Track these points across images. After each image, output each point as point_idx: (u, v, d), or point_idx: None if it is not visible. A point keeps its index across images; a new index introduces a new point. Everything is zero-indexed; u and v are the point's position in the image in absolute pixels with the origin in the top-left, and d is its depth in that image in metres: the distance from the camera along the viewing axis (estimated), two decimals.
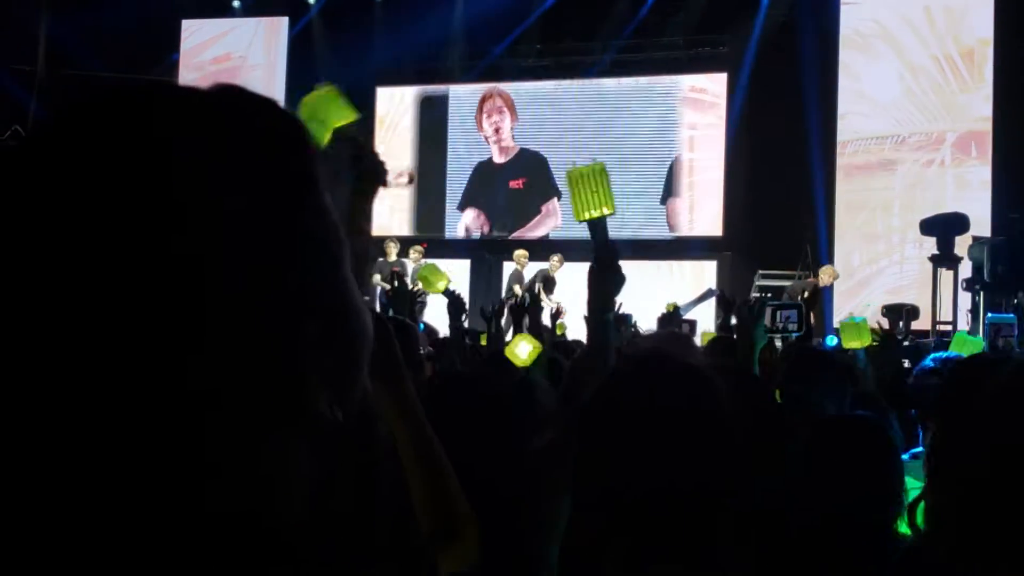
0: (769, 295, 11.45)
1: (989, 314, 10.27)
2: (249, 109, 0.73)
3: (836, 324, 12.22)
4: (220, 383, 0.65)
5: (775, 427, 2.44)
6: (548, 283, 13.34)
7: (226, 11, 17.22)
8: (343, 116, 2.75)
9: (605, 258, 2.75)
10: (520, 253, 13.98)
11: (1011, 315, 10.08)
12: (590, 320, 2.77)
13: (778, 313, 4.28)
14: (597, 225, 2.75)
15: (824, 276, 12.37)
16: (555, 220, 15.91)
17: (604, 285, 2.73)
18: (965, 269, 11.22)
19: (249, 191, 0.68)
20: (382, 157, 2.75)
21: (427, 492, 1.75)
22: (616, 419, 1.55)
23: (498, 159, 16.41)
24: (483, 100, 16.43)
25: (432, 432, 1.75)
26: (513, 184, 16.23)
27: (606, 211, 2.76)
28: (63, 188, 0.66)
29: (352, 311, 0.74)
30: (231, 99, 0.73)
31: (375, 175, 2.61)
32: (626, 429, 1.53)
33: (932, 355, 3.81)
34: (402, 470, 1.75)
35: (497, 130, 16.40)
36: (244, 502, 0.68)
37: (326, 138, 2.78)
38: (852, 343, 5.82)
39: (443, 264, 14.48)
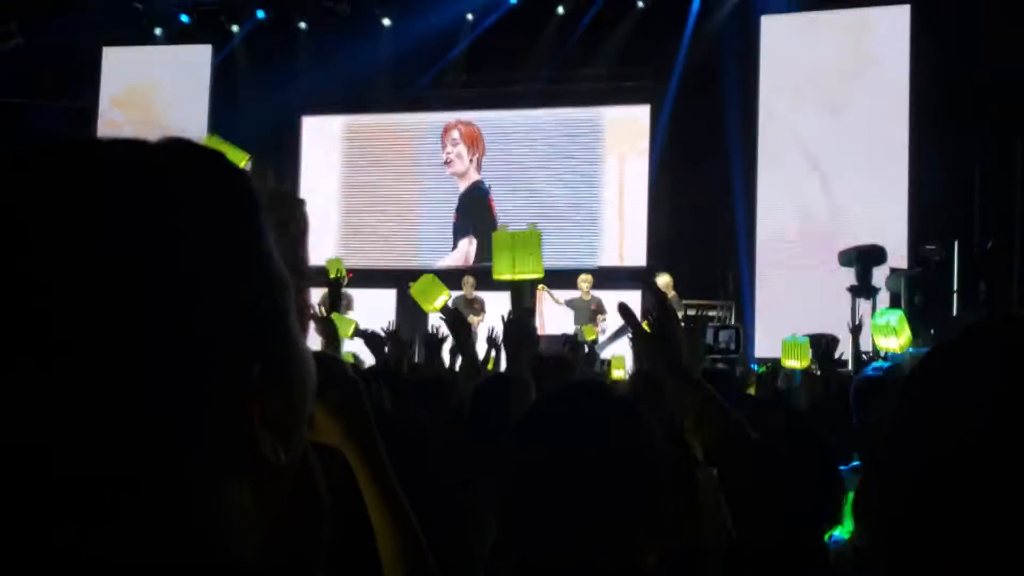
0: (704, 314, 11.60)
1: (910, 349, 10.46)
2: (197, 162, 0.75)
3: (757, 354, 12.42)
4: (166, 424, 0.67)
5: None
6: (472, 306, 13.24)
7: (148, 39, 17.03)
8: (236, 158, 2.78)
9: (523, 323, 2.80)
10: (583, 278, 13.68)
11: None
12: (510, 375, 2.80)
13: (719, 333, 4.33)
14: (523, 289, 2.81)
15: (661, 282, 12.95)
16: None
17: (520, 346, 2.76)
18: (883, 299, 11.44)
19: (198, 242, 0.70)
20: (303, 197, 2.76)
21: (397, 556, 1.73)
22: (540, 457, 1.55)
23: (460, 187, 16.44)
24: (445, 130, 16.42)
25: (403, 496, 1.74)
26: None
27: (536, 276, 2.83)
28: (11, 245, 0.67)
29: (296, 356, 0.77)
30: (178, 153, 0.75)
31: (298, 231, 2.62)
32: (549, 467, 1.53)
33: (872, 364, 3.86)
34: (361, 526, 1.73)
35: (448, 162, 16.37)
36: (191, 544, 0.69)
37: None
38: (790, 362, 5.93)
39: (366, 295, 14.32)
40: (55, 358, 0.65)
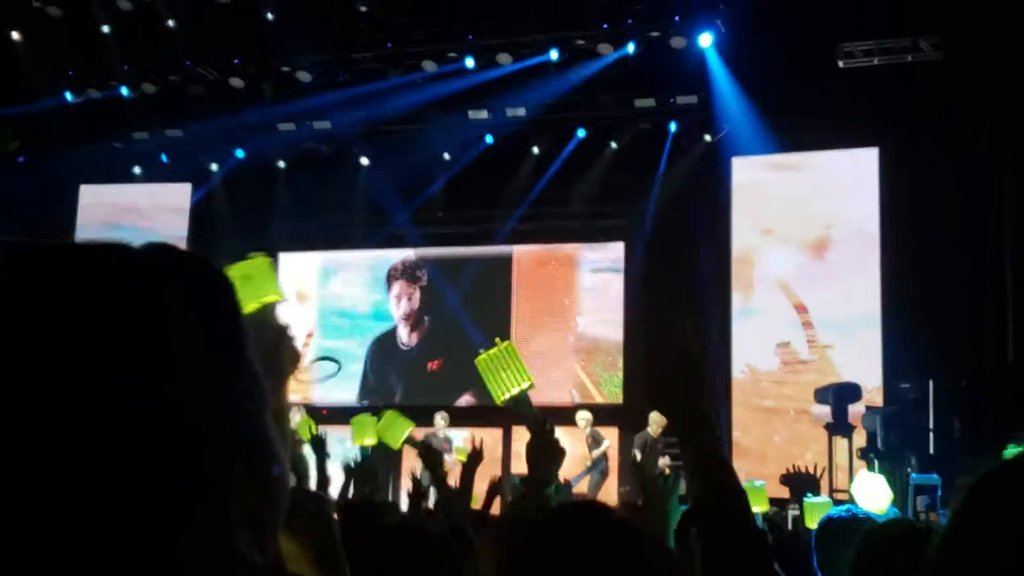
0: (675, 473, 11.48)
1: (912, 474, 10.38)
2: (182, 267, 0.77)
3: None
4: (151, 521, 0.68)
5: None
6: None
7: (127, 177, 17.18)
8: (273, 292, 2.75)
9: (540, 432, 2.73)
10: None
11: (935, 475, 10.20)
12: (530, 496, 2.72)
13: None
14: (520, 401, 2.74)
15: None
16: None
17: (542, 458, 2.70)
18: (859, 438, 11.41)
19: (185, 344, 0.72)
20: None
21: None
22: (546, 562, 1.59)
23: (407, 340, 16.39)
24: (391, 278, 16.53)
25: None
26: (432, 365, 16.14)
27: (524, 385, 2.75)
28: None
29: (274, 457, 0.79)
30: (165, 257, 0.77)
31: (289, 364, 2.61)
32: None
33: (843, 506, 3.82)
34: None
35: (408, 316, 16.44)
36: None
37: (250, 306, 2.76)
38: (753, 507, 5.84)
39: (343, 432, 14.18)
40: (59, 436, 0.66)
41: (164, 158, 17.00)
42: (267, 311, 2.83)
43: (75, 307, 0.69)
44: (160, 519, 0.68)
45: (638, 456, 12.70)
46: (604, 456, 13.52)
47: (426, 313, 16.38)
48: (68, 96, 16.06)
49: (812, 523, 5.75)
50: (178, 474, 0.69)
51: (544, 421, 2.78)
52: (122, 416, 0.68)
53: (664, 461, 12.41)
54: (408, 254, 16.58)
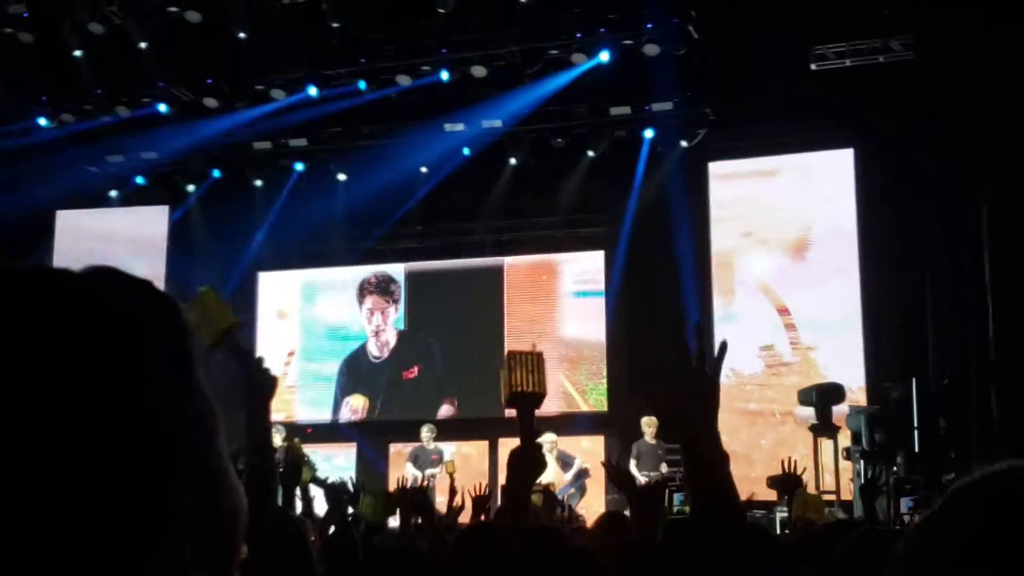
0: (670, 478, 11.46)
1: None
2: (123, 290, 0.74)
3: None
4: (98, 559, 0.65)
5: None
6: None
7: (103, 202, 17.09)
8: (228, 318, 2.75)
9: (528, 444, 2.76)
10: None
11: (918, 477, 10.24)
12: (505, 499, 2.75)
13: (676, 496, 4.31)
14: (526, 408, 2.76)
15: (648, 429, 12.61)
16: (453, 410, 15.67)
17: (523, 469, 2.73)
18: (844, 438, 11.43)
19: (128, 370, 0.69)
20: (266, 360, 2.76)
21: None
22: None
23: (378, 353, 16.36)
24: (364, 291, 16.51)
25: None
26: (407, 374, 16.12)
27: (535, 389, 2.78)
28: None
29: (227, 485, 0.76)
30: (105, 281, 0.74)
31: (267, 389, 2.62)
32: None
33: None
34: None
35: (379, 332, 16.43)
36: None
37: (213, 339, 2.76)
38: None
39: (328, 450, 14.19)
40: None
41: (140, 180, 16.93)
42: (234, 338, 2.82)
43: (12, 334, 0.67)
44: (106, 554, 0.66)
45: (632, 465, 12.53)
46: (585, 472, 13.45)
47: (403, 326, 16.34)
48: (42, 121, 15.98)
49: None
50: (124, 505, 0.67)
51: (535, 436, 2.82)
52: (71, 444, 0.66)
53: (663, 468, 12.41)
54: (385, 268, 16.54)
